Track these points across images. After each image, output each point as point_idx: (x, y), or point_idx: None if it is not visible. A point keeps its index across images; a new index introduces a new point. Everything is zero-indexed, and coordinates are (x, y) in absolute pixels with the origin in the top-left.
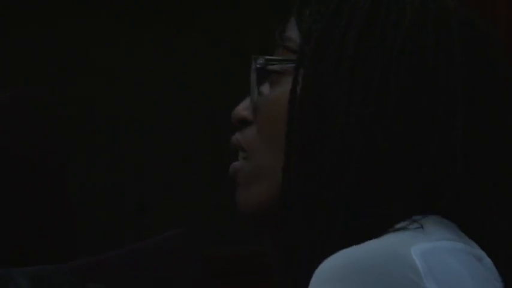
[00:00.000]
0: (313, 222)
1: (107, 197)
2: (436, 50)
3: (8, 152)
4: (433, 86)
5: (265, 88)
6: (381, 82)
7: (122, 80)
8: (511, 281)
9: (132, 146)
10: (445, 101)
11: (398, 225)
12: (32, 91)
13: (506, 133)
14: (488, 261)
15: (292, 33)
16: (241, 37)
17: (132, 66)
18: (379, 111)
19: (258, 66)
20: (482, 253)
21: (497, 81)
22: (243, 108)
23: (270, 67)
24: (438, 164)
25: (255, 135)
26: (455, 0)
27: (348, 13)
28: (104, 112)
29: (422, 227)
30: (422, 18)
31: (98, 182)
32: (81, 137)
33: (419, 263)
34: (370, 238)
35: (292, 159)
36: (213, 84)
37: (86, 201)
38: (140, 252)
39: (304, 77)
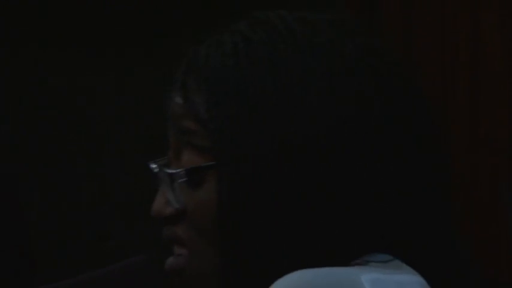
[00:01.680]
0: None
1: (68, 226)
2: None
3: None
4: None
5: (183, 186)
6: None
7: (79, 112)
8: None
9: (92, 174)
10: (375, 164)
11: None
12: None
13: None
14: None
15: (188, 122)
16: None
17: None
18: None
19: (181, 180)
20: None
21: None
22: (163, 206)
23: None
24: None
25: (189, 233)
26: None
27: (255, 107)
28: (62, 143)
29: (367, 262)
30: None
31: (58, 211)
32: (39, 166)
33: None
34: None
35: (229, 261)
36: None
37: (47, 230)
38: (102, 279)
39: (229, 183)
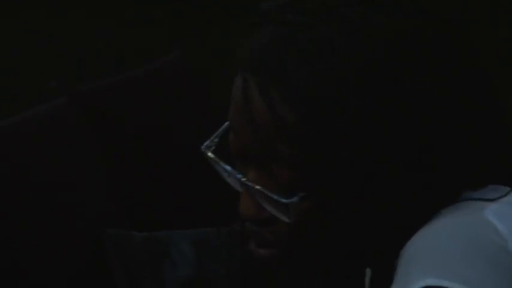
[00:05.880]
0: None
1: None
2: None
3: None
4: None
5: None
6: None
7: None
8: None
9: None
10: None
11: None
12: None
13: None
14: None
15: (281, 145)
16: None
17: None
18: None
19: (292, 201)
20: None
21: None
22: (257, 210)
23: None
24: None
25: (288, 233)
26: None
27: (353, 118)
28: None
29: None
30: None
31: None
32: None
33: (498, 225)
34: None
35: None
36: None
37: None
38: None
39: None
